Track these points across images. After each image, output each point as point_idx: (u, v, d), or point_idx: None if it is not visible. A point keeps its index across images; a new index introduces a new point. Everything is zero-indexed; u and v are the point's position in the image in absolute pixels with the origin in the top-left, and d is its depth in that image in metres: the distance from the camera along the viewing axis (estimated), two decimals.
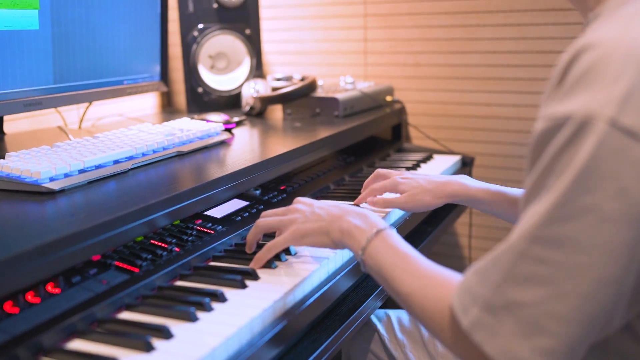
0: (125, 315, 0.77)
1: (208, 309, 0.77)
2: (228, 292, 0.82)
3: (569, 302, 0.56)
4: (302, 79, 1.68)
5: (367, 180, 1.20)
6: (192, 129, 1.28)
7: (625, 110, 0.54)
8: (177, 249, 0.91)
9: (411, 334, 1.17)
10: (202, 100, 1.75)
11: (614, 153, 0.54)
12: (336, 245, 0.87)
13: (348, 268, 0.97)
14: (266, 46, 1.98)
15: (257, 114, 1.66)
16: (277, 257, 0.93)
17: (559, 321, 0.56)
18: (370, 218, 0.85)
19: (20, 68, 1.15)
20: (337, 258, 0.97)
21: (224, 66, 1.79)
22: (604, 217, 0.54)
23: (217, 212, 1.06)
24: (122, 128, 1.27)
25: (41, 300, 0.74)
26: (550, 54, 1.64)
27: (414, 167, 1.51)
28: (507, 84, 1.71)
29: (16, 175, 0.96)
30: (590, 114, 0.55)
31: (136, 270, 0.84)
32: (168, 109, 1.97)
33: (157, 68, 1.52)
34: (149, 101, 1.92)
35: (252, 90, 1.66)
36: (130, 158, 1.10)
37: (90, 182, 1.01)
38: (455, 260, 1.87)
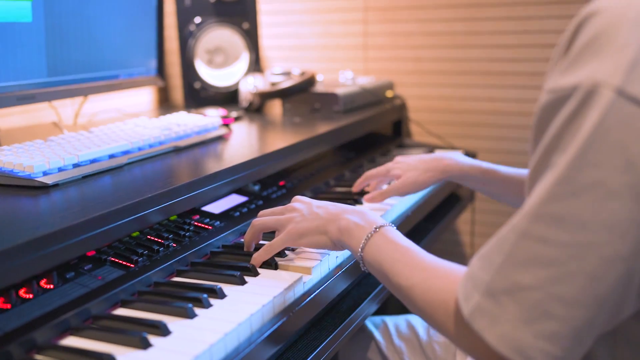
0: (121, 311, 0.75)
1: (206, 305, 0.74)
2: (227, 288, 0.80)
3: (574, 284, 0.53)
4: (301, 74, 1.66)
5: (356, 183, 1.22)
6: (189, 123, 1.26)
7: (633, 78, 0.52)
8: (174, 245, 0.89)
9: (409, 340, 1.15)
10: (199, 96, 1.73)
11: (621, 123, 0.52)
12: (335, 245, 0.85)
13: (349, 264, 0.95)
14: (264, 41, 1.96)
15: (256, 109, 1.64)
16: (277, 253, 0.91)
17: (564, 304, 0.53)
18: (369, 216, 0.83)
19: (13, 61, 1.13)
20: (338, 254, 0.95)
21: (221, 61, 1.77)
22: (610, 192, 0.52)
23: (215, 207, 1.04)
24: (118, 122, 1.25)
25: (34, 296, 0.72)
26: (553, 47, 1.62)
27: None
28: (509, 79, 1.69)
29: (9, 169, 0.94)
30: (597, 83, 0.53)
31: (132, 265, 0.82)
32: (165, 104, 1.95)
33: (154, 62, 1.50)
34: (146, 97, 1.90)
35: (251, 86, 1.64)
36: (126, 152, 1.08)
37: (85, 177, 0.98)
38: (456, 258, 1.84)
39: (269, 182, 1.20)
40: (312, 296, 0.84)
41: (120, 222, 0.82)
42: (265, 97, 1.61)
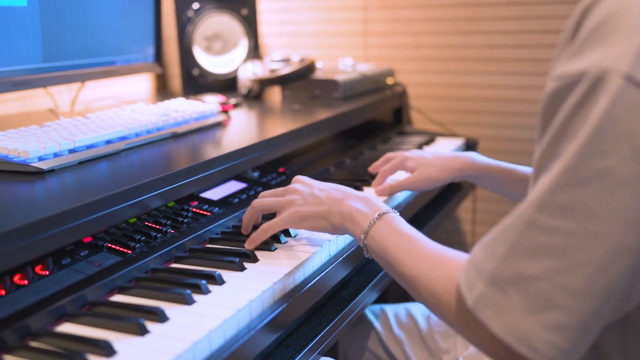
0: (118, 298, 0.74)
1: (205, 291, 0.73)
2: (226, 274, 0.78)
3: (581, 274, 0.52)
4: (301, 61, 1.64)
5: (376, 164, 1.18)
6: (187, 109, 1.24)
7: None
8: (172, 231, 0.88)
9: (409, 330, 1.14)
10: (197, 83, 1.71)
11: (630, 110, 0.50)
12: (336, 229, 0.84)
13: (350, 251, 0.94)
14: (263, 28, 1.94)
15: (255, 96, 1.62)
16: (277, 239, 0.90)
17: (571, 294, 0.52)
18: (373, 201, 0.82)
19: (8, 46, 1.11)
20: (339, 240, 0.94)
21: (220, 48, 1.75)
22: (618, 180, 0.51)
23: (214, 194, 1.03)
24: (115, 108, 1.23)
25: (29, 282, 0.70)
26: (555, 33, 1.60)
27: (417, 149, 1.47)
28: (510, 65, 1.67)
29: (3, 154, 0.92)
30: (605, 70, 0.51)
31: (129, 252, 0.80)
32: (163, 92, 1.93)
33: (151, 48, 1.48)
34: (144, 84, 1.88)
35: (249, 73, 1.62)
36: (123, 138, 1.06)
37: (81, 163, 0.97)
38: (458, 247, 1.81)
39: (269, 169, 1.19)
40: (312, 283, 0.83)
41: (117, 208, 0.80)
42: (264, 84, 1.59)
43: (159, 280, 0.77)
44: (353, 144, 1.50)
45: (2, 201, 0.80)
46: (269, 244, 0.87)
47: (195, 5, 1.67)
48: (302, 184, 0.90)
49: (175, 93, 1.86)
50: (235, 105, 1.50)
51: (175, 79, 1.92)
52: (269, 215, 0.93)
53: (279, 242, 0.89)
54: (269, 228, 0.86)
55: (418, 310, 1.17)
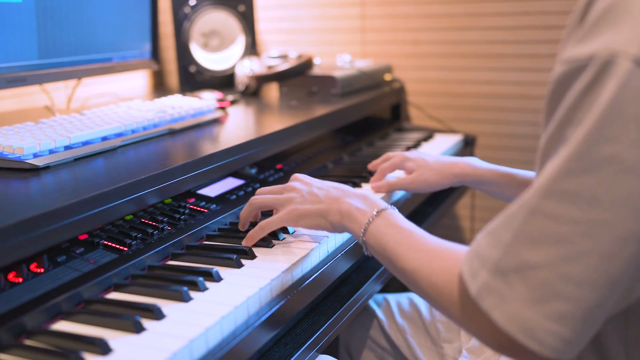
0: (114, 295, 0.73)
1: (202, 288, 0.72)
2: (223, 271, 0.77)
3: (586, 263, 0.51)
4: (298, 57, 1.63)
5: (375, 162, 1.18)
6: (184, 106, 1.23)
7: None
8: (168, 228, 0.87)
9: (411, 319, 1.13)
10: (194, 80, 1.70)
11: (639, 94, 0.49)
12: (334, 228, 0.83)
13: (348, 247, 0.93)
14: (260, 24, 1.93)
15: (252, 93, 1.61)
16: (275, 235, 0.89)
17: (575, 284, 0.51)
18: (371, 199, 0.82)
19: (3, 42, 1.10)
20: (337, 237, 0.93)
21: (217, 44, 1.74)
22: (625, 167, 0.50)
23: (211, 190, 1.02)
24: (111, 105, 1.22)
25: (24, 280, 0.70)
26: (554, 29, 1.59)
27: (415, 146, 1.46)
28: (509, 61, 1.66)
29: None
30: (614, 53, 0.50)
31: (125, 249, 0.80)
32: (160, 89, 1.92)
33: (148, 45, 1.47)
34: (140, 81, 1.87)
35: (247, 69, 1.61)
36: (119, 135, 1.06)
37: (77, 159, 0.96)
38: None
39: (266, 165, 1.18)
40: (310, 279, 0.82)
41: (113, 205, 0.80)
42: (261, 80, 1.58)
43: (155, 277, 0.76)
44: (351, 141, 1.49)
45: None
46: (266, 241, 0.86)
47: (192, 2, 1.66)
48: (301, 182, 0.89)
49: (172, 90, 1.85)
50: (233, 102, 1.49)
51: (172, 76, 1.91)
52: (268, 212, 0.93)
53: (277, 238, 0.89)
54: (266, 226, 0.85)
55: (421, 299, 1.16)
